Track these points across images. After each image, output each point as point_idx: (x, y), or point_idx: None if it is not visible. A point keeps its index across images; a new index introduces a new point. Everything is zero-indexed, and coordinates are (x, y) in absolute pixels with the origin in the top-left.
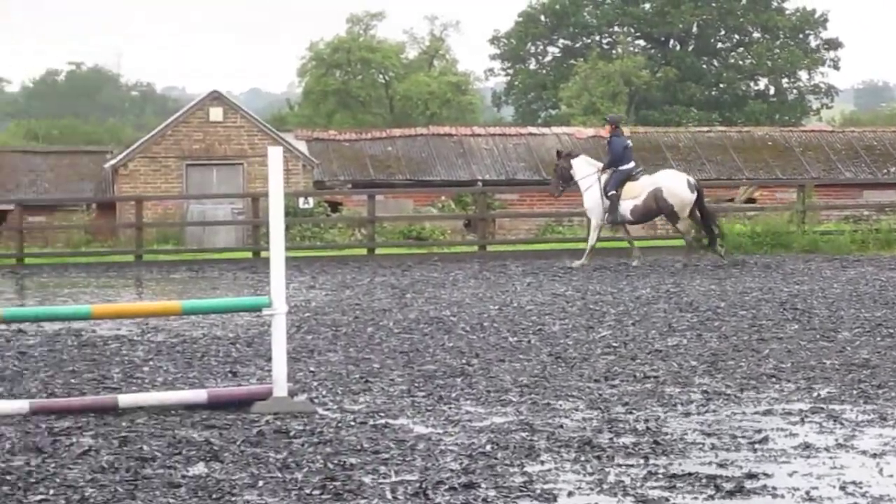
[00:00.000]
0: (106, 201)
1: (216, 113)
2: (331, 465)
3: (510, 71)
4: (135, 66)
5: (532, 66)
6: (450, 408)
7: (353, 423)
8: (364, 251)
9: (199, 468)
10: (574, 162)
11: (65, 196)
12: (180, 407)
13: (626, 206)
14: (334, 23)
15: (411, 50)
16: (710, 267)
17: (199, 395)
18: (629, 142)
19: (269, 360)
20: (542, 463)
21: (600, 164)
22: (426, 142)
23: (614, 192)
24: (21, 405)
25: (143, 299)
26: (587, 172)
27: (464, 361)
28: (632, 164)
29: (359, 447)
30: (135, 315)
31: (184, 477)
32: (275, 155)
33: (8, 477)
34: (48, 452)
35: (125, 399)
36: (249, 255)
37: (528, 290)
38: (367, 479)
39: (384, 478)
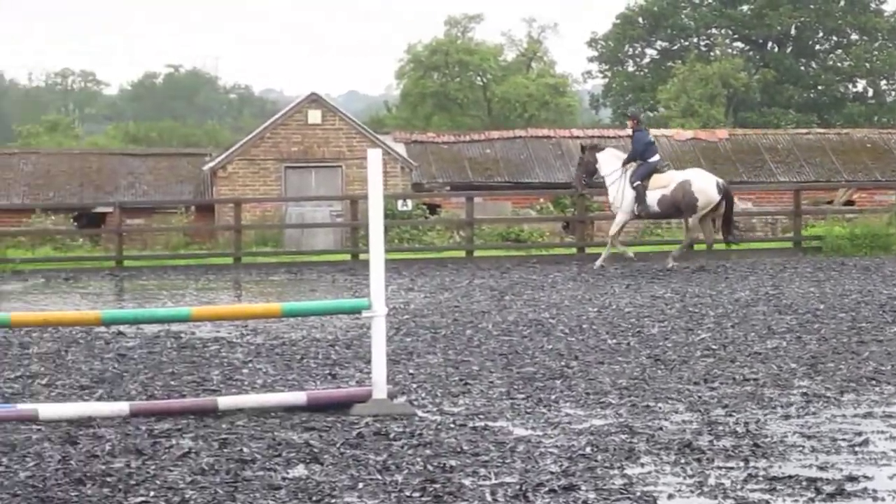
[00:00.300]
0: (204, 203)
1: (314, 115)
2: (430, 468)
3: (608, 73)
4: (232, 69)
5: (630, 68)
6: (549, 410)
7: (452, 426)
8: (462, 253)
9: (299, 470)
10: (600, 156)
11: (163, 198)
12: (280, 409)
13: (653, 197)
14: (432, 25)
15: (509, 52)
16: (809, 269)
17: (298, 397)
18: (652, 137)
19: (369, 362)
20: (642, 465)
21: (624, 158)
22: (524, 144)
23: (640, 182)
24: (121, 407)
25: (242, 301)
26: (614, 167)
27: (563, 364)
28: (657, 158)
29: (458, 449)
30: (234, 317)
31: (284, 479)
32: (374, 157)
33: (108, 479)
34: (148, 454)
35: (225, 401)
36: (348, 257)
37: (626, 292)
38: (466, 482)
39: (484, 480)
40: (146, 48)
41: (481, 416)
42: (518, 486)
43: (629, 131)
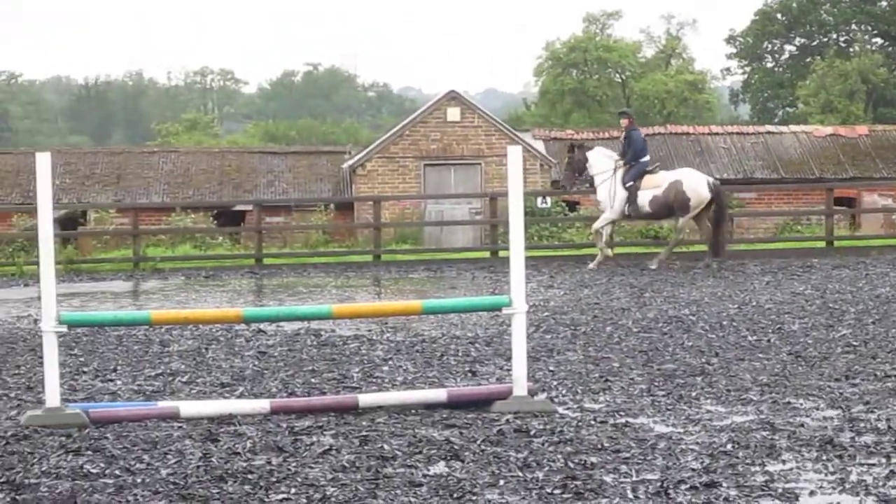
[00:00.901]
0: (344, 201)
1: (453, 113)
2: (571, 465)
3: (747, 69)
4: (371, 67)
5: (769, 64)
6: (690, 407)
7: (593, 423)
8: None
9: (440, 467)
10: (590, 155)
11: (303, 196)
12: (420, 406)
13: (645, 197)
14: (570, 22)
15: (648, 49)
16: None
17: (438, 394)
18: (644, 136)
19: (509, 359)
20: (784, 462)
21: (616, 157)
22: (664, 140)
23: (633, 183)
24: (262, 404)
25: (382, 299)
26: (605, 167)
27: (703, 360)
28: (648, 158)
29: (599, 446)
30: (375, 315)
31: (425, 476)
32: (514, 154)
33: (249, 476)
34: (289, 451)
35: (365, 398)
36: (487, 254)
37: (766, 288)
38: (607, 479)
39: (625, 477)
40: (285, 46)
41: (622, 413)
42: (659, 483)
43: (624, 130)
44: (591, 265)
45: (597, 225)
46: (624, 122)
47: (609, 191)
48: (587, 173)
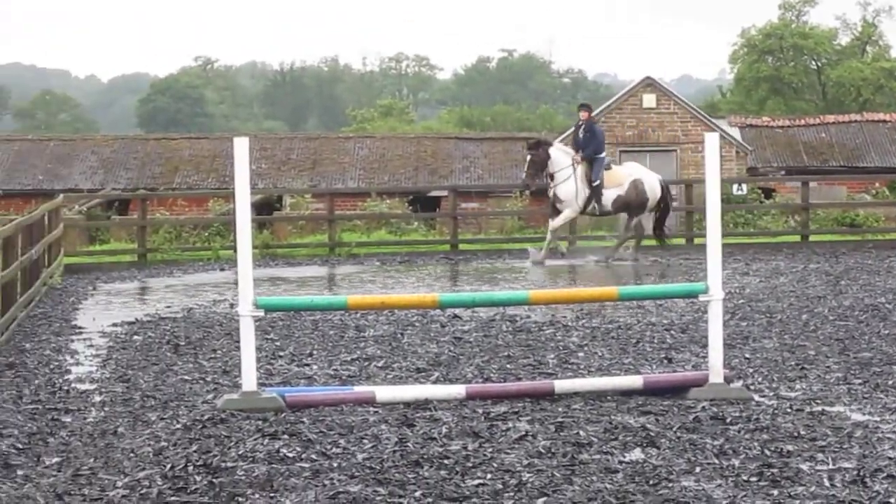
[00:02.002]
0: (540, 188)
1: (649, 99)
2: (767, 452)
3: None
4: (566, 53)
5: None
6: (887, 395)
7: (789, 410)
8: (797, 238)
9: (636, 454)
10: (552, 152)
11: (498, 182)
12: (616, 393)
13: (609, 196)
14: (766, 9)
15: (843, 36)
16: None
17: (634, 381)
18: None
19: (704, 346)
20: None
21: (573, 153)
22: (860, 128)
23: (599, 181)
24: (458, 390)
25: (577, 285)
26: (565, 163)
27: None
28: (605, 154)
29: (795, 434)
30: (571, 301)
31: (620, 462)
32: (712, 141)
33: (446, 461)
34: (485, 437)
35: (561, 384)
36: (682, 241)
37: None
38: (803, 467)
39: (821, 465)
40: (479, 32)
41: (818, 401)
42: (856, 472)
43: (584, 122)
44: (541, 256)
45: (555, 224)
46: (583, 114)
47: (572, 188)
48: (547, 171)
